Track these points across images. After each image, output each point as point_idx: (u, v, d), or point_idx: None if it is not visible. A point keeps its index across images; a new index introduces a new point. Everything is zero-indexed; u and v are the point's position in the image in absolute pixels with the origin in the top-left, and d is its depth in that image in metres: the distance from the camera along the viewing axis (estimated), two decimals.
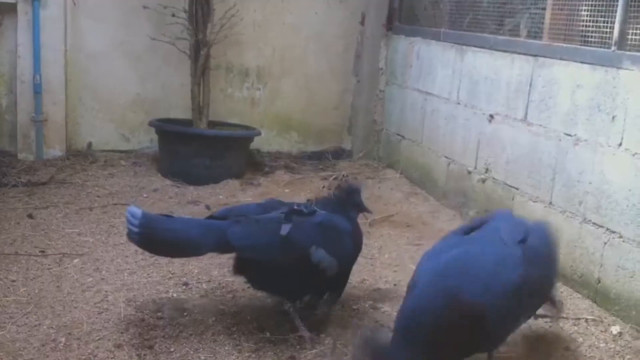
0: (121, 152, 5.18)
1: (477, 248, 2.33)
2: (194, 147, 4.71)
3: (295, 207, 2.81)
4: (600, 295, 3.17)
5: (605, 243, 3.16)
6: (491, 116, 4.09)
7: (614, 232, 3.11)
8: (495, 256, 2.26)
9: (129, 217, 2.61)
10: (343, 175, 5.05)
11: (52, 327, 2.70)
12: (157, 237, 2.67)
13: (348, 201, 2.93)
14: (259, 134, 5.05)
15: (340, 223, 2.83)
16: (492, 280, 2.16)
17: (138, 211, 2.62)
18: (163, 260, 3.37)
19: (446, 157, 4.58)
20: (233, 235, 2.64)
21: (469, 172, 4.29)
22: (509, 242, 2.32)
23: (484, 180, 4.14)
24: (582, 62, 3.36)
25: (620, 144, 3.09)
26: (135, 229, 2.61)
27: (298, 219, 2.73)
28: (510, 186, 3.88)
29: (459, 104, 4.44)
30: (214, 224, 2.74)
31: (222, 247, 2.70)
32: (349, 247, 2.83)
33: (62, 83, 4.97)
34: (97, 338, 2.64)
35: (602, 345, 2.77)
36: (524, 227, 2.49)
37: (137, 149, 5.22)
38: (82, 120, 5.13)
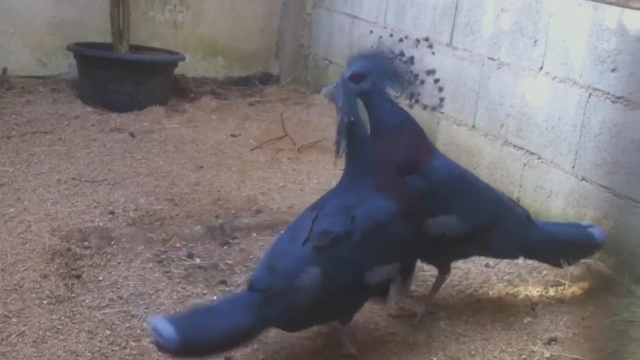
0: (38, 78, 4.94)
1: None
2: (115, 72, 4.55)
3: None
4: None
5: (525, 164, 3.27)
6: (417, 40, 4.09)
7: (533, 153, 3.22)
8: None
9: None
10: None
11: None
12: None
13: None
14: (183, 58, 4.91)
15: None
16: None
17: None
18: (87, 189, 3.31)
19: None
20: None
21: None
22: None
23: (410, 106, 4.17)
24: None
25: (541, 68, 3.16)
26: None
27: None
28: None
29: (386, 28, 4.42)
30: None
31: None
32: None
33: None
34: (23, 269, 2.58)
35: (520, 262, 2.89)
36: None
37: (56, 75, 4.99)
38: None
